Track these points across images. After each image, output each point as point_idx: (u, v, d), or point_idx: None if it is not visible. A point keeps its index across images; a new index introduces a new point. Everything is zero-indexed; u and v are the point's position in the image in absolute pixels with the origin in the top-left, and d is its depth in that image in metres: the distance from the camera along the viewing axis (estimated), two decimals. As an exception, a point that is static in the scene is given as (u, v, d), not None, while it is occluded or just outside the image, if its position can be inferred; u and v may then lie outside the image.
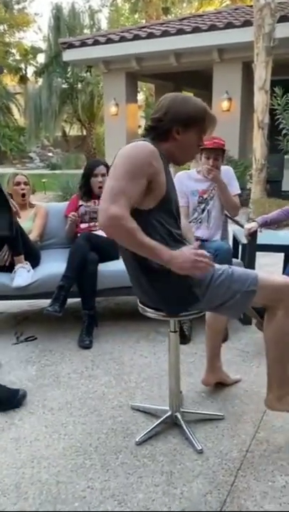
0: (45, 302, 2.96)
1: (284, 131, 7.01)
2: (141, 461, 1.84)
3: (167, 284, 1.76)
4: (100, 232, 3.03)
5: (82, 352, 2.80)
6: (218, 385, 2.38)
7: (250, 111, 7.95)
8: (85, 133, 18.66)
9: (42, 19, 51.23)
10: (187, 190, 3.08)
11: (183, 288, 1.76)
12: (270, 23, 7.13)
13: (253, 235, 2.94)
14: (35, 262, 3.10)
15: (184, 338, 2.83)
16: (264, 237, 3.11)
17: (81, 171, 3.48)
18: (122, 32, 10.49)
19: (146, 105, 18.62)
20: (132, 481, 1.74)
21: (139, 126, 12.88)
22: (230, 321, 3.04)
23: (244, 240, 3.07)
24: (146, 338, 2.98)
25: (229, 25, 8.73)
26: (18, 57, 24.00)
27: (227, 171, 3.15)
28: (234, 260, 3.08)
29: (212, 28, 8.90)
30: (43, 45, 21.25)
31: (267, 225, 2.97)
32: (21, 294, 2.95)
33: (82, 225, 3.34)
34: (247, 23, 8.25)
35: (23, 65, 23.56)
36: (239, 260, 3.25)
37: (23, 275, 2.92)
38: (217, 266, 1.80)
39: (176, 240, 1.77)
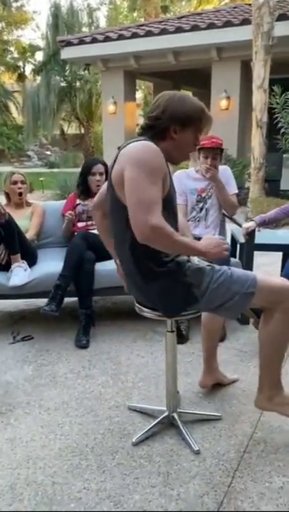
0: (42, 301, 2.95)
1: (282, 130, 6.99)
2: (137, 462, 1.83)
3: (166, 284, 1.75)
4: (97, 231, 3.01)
5: (79, 351, 2.78)
6: (216, 385, 2.36)
7: (249, 110, 7.94)
8: (83, 131, 18.60)
9: (40, 17, 51.20)
10: (186, 189, 3.08)
11: (182, 288, 1.75)
12: (269, 22, 7.12)
13: (250, 234, 2.93)
14: (31, 261, 3.08)
15: (182, 338, 2.82)
16: (262, 236, 3.10)
17: (79, 170, 3.46)
18: (120, 30, 10.45)
19: (145, 104, 18.61)
20: (128, 481, 1.73)
21: (138, 125, 12.85)
22: (227, 321, 3.03)
23: (242, 239, 3.06)
24: (144, 338, 2.97)
25: (228, 24, 8.72)
26: (16, 55, 23.93)
27: (225, 171, 3.16)
28: (232, 259, 3.07)
29: (211, 26, 8.88)
30: (41, 43, 21.22)
31: (265, 224, 2.96)
32: (18, 293, 2.94)
33: (80, 224, 3.32)
34: (246, 22, 8.23)
35: (21, 63, 23.50)
36: (237, 259, 3.24)
37: (20, 274, 2.91)
38: (216, 267, 1.80)
39: None
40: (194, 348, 2.79)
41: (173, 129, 1.74)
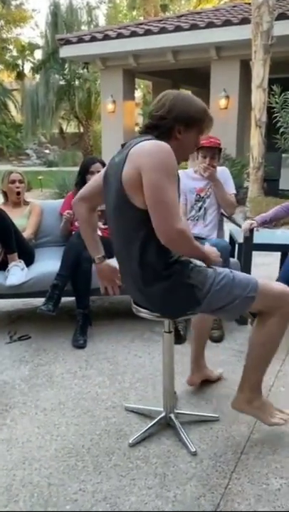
0: (39, 301, 2.93)
1: (281, 130, 6.99)
2: (134, 463, 1.82)
3: (170, 286, 1.73)
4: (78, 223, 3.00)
5: (76, 351, 2.77)
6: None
7: (248, 109, 7.93)
8: (82, 130, 18.57)
9: (39, 15, 51.07)
10: (185, 188, 3.08)
11: (185, 290, 1.74)
12: (268, 21, 7.10)
13: (252, 231, 2.93)
14: (29, 260, 3.07)
15: (179, 338, 2.81)
16: (260, 236, 3.10)
17: (78, 168, 3.44)
18: (119, 29, 10.43)
19: (144, 103, 18.59)
20: (124, 483, 1.72)
21: (137, 124, 12.85)
22: (225, 321, 3.03)
23: (240, 239, 3.06)
24: (141, 338, 2.96)
25: (227, 23, 8.70)
26: (15, 53, 23.87)
27: (223, 171, 3.17)
28: (231, 260, 3.06)
29: (210, 25, 8.87)
30: (41, 42, 21.17)
31: (266, 223, 2.96)
32: (15, 292, 2.92)
33: (77, 223, 3.30)
34: (245, 21, 8.22)
35: (20, 62, 23.43)
36: (235, 259, 3.23)
37: (17, 273, 2.89)
38: (219, 269, 1.80)
39: None
40: (192, 348, 2.77)
41: (177, 129, 1.73)
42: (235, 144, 9.38)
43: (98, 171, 3.27)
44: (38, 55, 21.45)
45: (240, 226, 3.11)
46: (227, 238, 3.49)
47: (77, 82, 17.10)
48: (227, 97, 9.44)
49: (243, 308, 1.79)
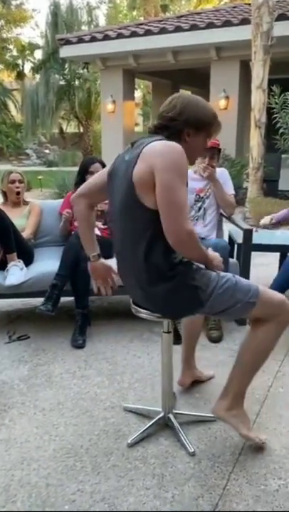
0: (38, 301, 2.93)
1: (281, 130, 6.98)
2: (132, 464, 1.82)
3: (173, 287, 1.72)
4: (95, 230, 3.00)
5: (75, 351, 2.77)
6: (205, 382, 2.39)
7: (248, 109, 7.93)
8: (82, 130, 18.56)
9: (39, 15, 51.13)
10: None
11: (189, 291, 1.73)
12: (268, 22, 7.10)
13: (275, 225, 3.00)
14: (28, 260, 3.07)
15: (178, 339, 2.80)
16: (260, 236, 3.10)
17: (78, 168, 3.44)
18: (119, 29, 10.43)
19: (144, 103, 18.60)
20: (122, 483, 1.72)
21: (136, 124, 12.84)
22: (224, 322, 3.03)
23: (240, 240, 3.06)
24: (140, 338, 2.96)
25: (227, 23, 8.70)
26: (15, 53, 23.86)
27: (222, 173, 3.19)
28: (230, 260, 3.06)
29: (210, 25, 8.86)
30: (41, 42, 21.16)
31: (279, 224, 3.00)
32: (14, 292, 2.92)
33: (77, 223, 3.30)
34: (245, 21, 8.22)
35: (20, 61, 23.43)
36: (235, 260, 3.23)
37: (16, 273, 2.89)
38: (222, 273, 1.80)
39: None
40: (191, 348, 2.77)
41: (186, 132, 1.74)
42: (235, 145, 9.37)
43: (98, 171, 3.28)
44: (38, 55, 21.48)
45: (239, 226, 3.11)
46: (226, 238, 3.50)
47: (77, 82, 17.09)
48: (227, 97, 9.44)
49: (244, 312, 1.80)
